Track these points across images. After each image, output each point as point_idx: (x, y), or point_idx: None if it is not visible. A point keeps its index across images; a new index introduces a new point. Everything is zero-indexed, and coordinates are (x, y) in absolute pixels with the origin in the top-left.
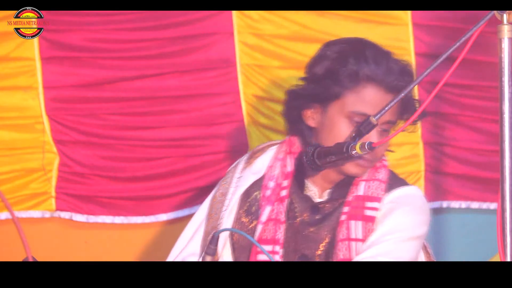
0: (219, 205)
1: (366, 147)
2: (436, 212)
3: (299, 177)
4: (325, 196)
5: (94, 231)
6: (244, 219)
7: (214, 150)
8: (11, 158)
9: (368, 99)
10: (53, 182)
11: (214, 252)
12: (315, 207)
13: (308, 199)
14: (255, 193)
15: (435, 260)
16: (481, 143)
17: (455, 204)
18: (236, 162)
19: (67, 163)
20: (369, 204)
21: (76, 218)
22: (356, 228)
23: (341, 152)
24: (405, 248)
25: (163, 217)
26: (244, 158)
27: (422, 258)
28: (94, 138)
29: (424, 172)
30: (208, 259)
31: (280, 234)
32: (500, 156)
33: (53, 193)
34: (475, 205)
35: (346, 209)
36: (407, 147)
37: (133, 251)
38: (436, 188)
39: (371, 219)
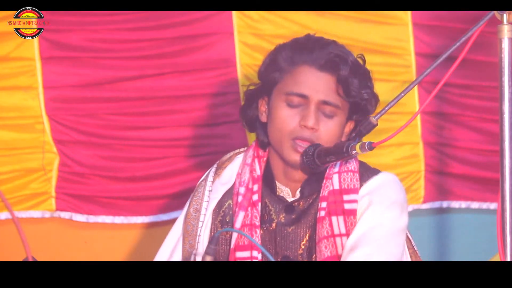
0: (194, 222)
1: (366, 147)
2: (436, 212)
3: (268, 179)
4: (298, 194)
5: (94, 231)
6: (220, 229)
7: (214, 150)
8: (11, 158)
9: (302, 79)
10: (53, 182)
11: (214, 252)
12: (289, 207)
13: (282, 200)
14: (227, 202)
15: (417, 251)
16: (481, 143)
17: (455, 204)
18: (205, 174)
19: (67, 163)
20: (346, 197)
21: (76, 218)
22: (339, 223)
23: (341, 152)
24: (395, 242)
25: (163, 217)
26: (213, 169)
27: (405, 250)
28: (94, 138)
29: (424, 172)
30: (208, 259)
31: (257, 239)
32: (500, 156)
33: (53, 193)
34: (475, 205)
35: (323, 204)
36: (407, 147)
37: (133, 251)
38: (436, 188)
39: (352, 212)
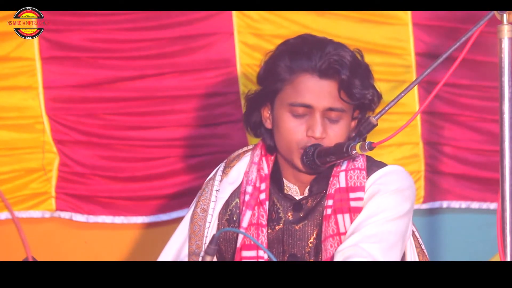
0: (201, 222)
1: (366, 147)
2: (436, 212)
3: (276, 178)
4: (306, 192)
5: (94, 231)
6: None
7: (214, 150)
8: (11, 158)
9: (304, 88)
10: (53, 182)
11: (214, 252)
12: (297, 205)
13: (290, 198)
14: (235, 201)
15: (425, 250)
16: (481, 143)
17: (455, 204)
18: (213, 173)
19: (67, 163)
20: (353, 195)
21: (76, 218)
22: (344, 221)
23: (341, 152)
24: (389, 229)
25: (164, 217)
26: (220, 168)
27: (411, 241)
28: (94, 138)
29: (424, 172)
30: (208, 259)
31: (263, 238)
32: (500, 156)
33: (53, 193)
34: (475, 205)
35: (330, 202)
36: (407, 147)
37: (133, 251)
38: (436, 188)
39: (358, 210)
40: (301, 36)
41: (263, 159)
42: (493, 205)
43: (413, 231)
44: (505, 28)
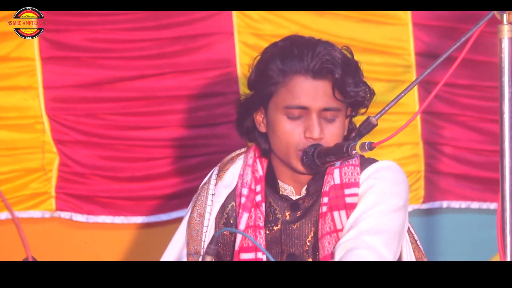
0: (198, 226)
1: (366, 147)
2: (436, 212)
3: (271, 179)
4: (304, 192)
5: (94, 231)
6: (224, 232)
7: (214, 150)
8: (11, 158)
9: (298, 90)
10: (53, 182)
11: (214, 252)
12: (294, 205)
13: (286, 198)
14: (230, 204)
15: (420, 245)
16: (481, 143)
17: (455, 204)
18: (207, 177)
19: (67, 163)
20: (348, 191)
21: (76, 218)
22: (341, 218)
23: (341, 152)
24: (386, 222)
25: (163, 217)
26: (215, 172)
27: (406, 237)
28: (94, 138)
29: (424, 172)
30: (208, 259)
31: (261, 240)
32: (500, 156)
33: (53, 193)
34: (475, 205)
35: (325, 199)
36: (407, 147)
37: (133, 251)
38: (436, 188)
39: (353, 206)
40: (289, 38)
41: (257, 161)
42: (493, 205)
43: (408, 227)
44: (505, 28)
